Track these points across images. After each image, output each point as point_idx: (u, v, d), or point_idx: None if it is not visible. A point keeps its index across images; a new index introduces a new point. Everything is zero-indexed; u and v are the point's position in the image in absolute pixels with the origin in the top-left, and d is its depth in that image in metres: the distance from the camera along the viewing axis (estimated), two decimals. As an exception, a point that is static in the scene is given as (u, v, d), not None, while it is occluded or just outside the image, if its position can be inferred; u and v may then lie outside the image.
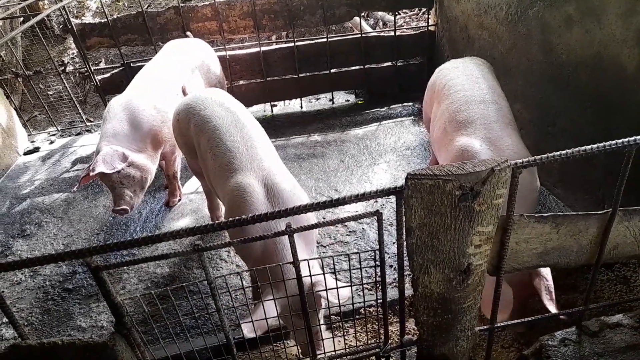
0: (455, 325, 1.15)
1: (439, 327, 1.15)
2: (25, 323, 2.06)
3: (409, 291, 1.10)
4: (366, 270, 2.04)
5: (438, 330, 1.16)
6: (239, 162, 1.65)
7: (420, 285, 1.10)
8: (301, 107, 3.78)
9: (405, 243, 1.06)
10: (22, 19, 4.12)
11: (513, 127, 1.81)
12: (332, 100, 3.81)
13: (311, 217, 1.59)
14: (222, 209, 2.43)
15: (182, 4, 3.28)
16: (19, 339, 1.18)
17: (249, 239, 1.22)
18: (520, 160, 1.02)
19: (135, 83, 2.46)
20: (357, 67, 3.61)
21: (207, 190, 2.40)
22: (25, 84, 3.99)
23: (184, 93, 2.50)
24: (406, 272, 1.66)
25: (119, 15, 3.39)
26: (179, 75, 2.55)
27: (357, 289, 1.95)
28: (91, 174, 2.05)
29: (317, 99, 4.06)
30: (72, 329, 2.02)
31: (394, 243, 2.15)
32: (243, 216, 1.09)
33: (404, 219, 1.11)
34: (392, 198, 2.36)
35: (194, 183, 2.87)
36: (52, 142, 3.70)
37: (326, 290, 1.17)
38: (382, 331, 1.40)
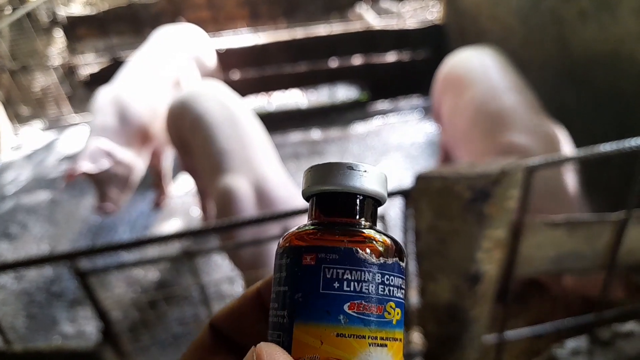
0: (463, 335, 1.09)
1: (446, 336, 1.09)
2: (10, 329, 1.97)
3: (415, 299, 1.04)
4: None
5: (445, 340, 1.10)
6: (231, 164, 1.55)
7: (427, 292, 1.04)
8: (300, 102, 3.70)
9: (413, 247, 1.00)
10: (10, 10, 3.99)
11: (544, 114, 1.73)
12: (333, 95, 3.72)
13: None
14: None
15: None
16: (2, 345, 1.12)
17: (239, 245, 1.16)
18: (534, 161, 0.96)
19: (125, 74, 2.36)
20: (360, 61, 3.52)
21: (200, 190, 2.32)
22: (12, 78, 3.87)
23: (178, 85, 2.40)
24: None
25: (109, 7, 3.29)
26: (172, 65, 2.44)
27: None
28: (74, 174, 1.96)
29: (317, 94, 3.98)
30: (58, 335, 1.94)
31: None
32: (232, 219, 1.03)
33: (409, 223, 1.05)
34: (396, 200, 2.29)
35: (185, 183, 2.79)
36: (38, 138, 3.59)
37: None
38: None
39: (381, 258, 0.22)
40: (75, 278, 1.06)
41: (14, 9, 3.48)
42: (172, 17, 3.21)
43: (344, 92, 3.84)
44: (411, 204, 0.96)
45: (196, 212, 2.54)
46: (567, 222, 1.03)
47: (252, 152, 1.60)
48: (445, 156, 2.35)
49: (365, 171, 0.23)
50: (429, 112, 3.24)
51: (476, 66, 1.94)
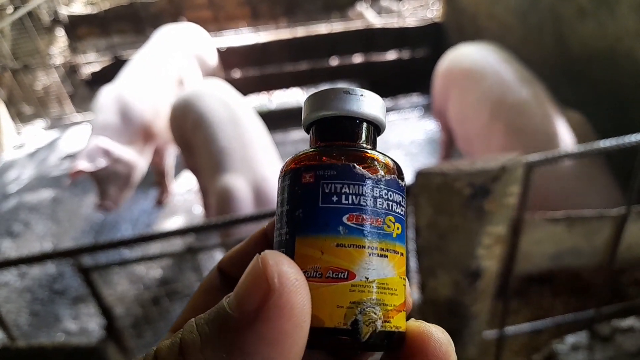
0: (463, 330, 1.10)
1: (447, 332, 1.10)
2: (14, 325, 1.99)
3: (416, 295, 1.05)
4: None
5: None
6: (231, 163, 1.55)
7: (427, 288, 1.04)
8: (301, 100, 3.70)
9: (414, 243, 1.00)
10: (11, 9, 4.00)
11: (558, 103, 1.72)
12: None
13: None
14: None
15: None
16: (6, 341, 1.13)
17: (236, 240, 1.17)
18: (534, 157, 0.97)
19: (127, 73, 2.37)
20: (360, 59, 3.52)
21: (202, 188, 2.33)
22: (14, 77, 3.89)
23: (180, 84, 2.41)
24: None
25: (110, 6, 3.30)
26: (174, 64, 2.45)
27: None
28: (72, 172, 1.97)
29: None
30: (61, 332, 1.95)
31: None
32: (234, 216, 1.03)
33: (409, 219, 1.06)
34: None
35: (187, 181, 2.80)
36: (40, 137, 3.60)
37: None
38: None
39: (379, 174, 0.22)
40: (78, 275, 1.07)
41: (16, 8, 3.49)
42: (172, 16, 3.22)
43: (345, 91, 3.83)
44: (411, 200, 0.97)
45: (198, 209, 2.55)
46: (567, 217, 1.03)
47: (253, 151, 1.60)
48: (446, 153, 2.35)
49: (362, 95, 0.24)
50: (428, 110, 3.25)
51: (483, 60, 1.90)
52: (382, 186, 0.22)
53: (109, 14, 3.20)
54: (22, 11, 2.91)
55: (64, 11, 3.43)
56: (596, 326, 1.17)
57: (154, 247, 2.15)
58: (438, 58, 2.31)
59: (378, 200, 0.22)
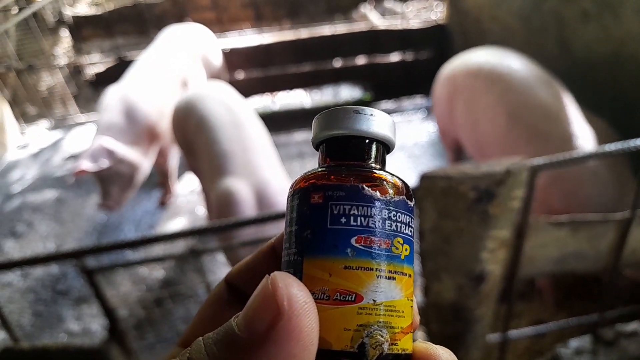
0: (467, 334, 1.09)
1: (451, 335, 1.10)
2: (16, 326, 1.99)
3: (419, 299, 1.05)
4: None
5: (449, 339, 1.11)
6: (233, 167, 1.55)
7: (431, 292, 1.04)
8: (304, 102, 3.71)
9: (418, 247, 1.00)
10: (16, 10, 4.03)
11: (579, 107, 1.66)
12: (337, 95, 3.73)
13: None
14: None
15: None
16: (9, 342, 1.13)
17: (240, 244, 1.17)
18: (538, 162, 0.97)
19: (133, 73, 2.37)
20: (364, 61, 3.53)
21: (205, 190, 2.33)
22: (18, 77, 3.90)
23: (185, 84, 2.42)
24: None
25: (115, 7, 3.31)
26: (179, 64, 2.46)
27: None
28: (75, 171, 1.97)
29: (321, 94, 3.98)
30: (63, 333, 1.95)
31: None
32: (238, 218, 1.03)
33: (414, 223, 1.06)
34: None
35: (191, 182, 2.81)
36: (44, 137, 3.62)
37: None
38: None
39: (388, 195, 0.22)
40: (81, 276, 1.07)
41: (21, 9, 3.51)
42: (176, 18, 3.23)
43: (348, 92, 3.84)
44: (415, 203, 0.97)
45: (201, 211, 2.55)
46: (571, 221, 1.03)
47: (254, 155, 1.59)
48: (456, 156, 2.31)
49: (372, 115, 0.24)
50: (432, 112, 3.24)
51: (494, 64, 1.83)
52: (390, 207, 0.22)
53: (113, 15, 3.21)
54: (27, 12, 2.92)
55: (69, 12, 3.45)
56: (600, 330, 1.16)
57: (157, 249, 2.15)
58: (442, 60, 2.30)
59: (387, 221, 0.21)
